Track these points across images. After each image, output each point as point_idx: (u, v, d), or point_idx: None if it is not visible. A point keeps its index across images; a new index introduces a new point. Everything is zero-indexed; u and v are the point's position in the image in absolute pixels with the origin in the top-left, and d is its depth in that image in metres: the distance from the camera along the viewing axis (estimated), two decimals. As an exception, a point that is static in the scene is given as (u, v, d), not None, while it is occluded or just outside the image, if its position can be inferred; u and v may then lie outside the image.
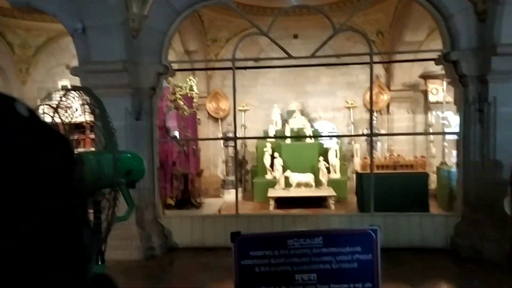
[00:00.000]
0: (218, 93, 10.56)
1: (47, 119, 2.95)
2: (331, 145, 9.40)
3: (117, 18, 5.23)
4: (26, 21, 9.19)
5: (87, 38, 5.37)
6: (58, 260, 0.35)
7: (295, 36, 10.24)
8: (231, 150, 9.73)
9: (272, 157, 9.19)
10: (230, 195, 8.88)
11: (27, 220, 0.33)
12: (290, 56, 6.02)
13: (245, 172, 10.56)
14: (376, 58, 9.49)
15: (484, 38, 5.11)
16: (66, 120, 3.08)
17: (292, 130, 9.45)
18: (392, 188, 6.81)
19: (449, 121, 9.00)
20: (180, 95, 8.20)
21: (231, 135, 8.76)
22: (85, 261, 0.38)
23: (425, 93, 9.97)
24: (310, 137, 9.29)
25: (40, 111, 3.23)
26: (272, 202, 8.38)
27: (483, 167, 5.21)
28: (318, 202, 8.38)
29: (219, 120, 10.71)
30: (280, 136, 9.55)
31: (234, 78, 6.08)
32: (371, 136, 6.21)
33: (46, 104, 2.83)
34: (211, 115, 10.73)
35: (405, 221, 5.70)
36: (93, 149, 5.73)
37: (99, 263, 2.87)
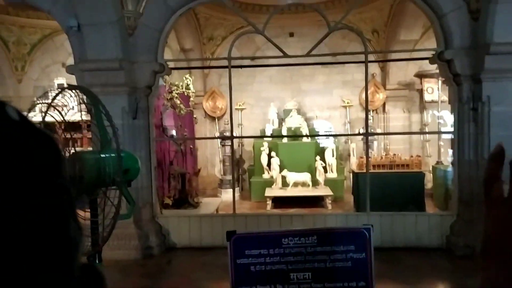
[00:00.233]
0: (215, 91, 10.56)
1: (43, 117, 2.95)
2: (328, 144, 9.42)
3: (112, 16, 5.22)
4: (21, 18, 9.14)
5: (82, 36, 5.35)
6: (44, 252, 0.38)
7: (291, 34, 10.26)
8: (228, 149, 9.74)
9: (269, 156, 9.20)
10: (227, 195, 8.89)
11: (16, 215, 0.36)
12: (285, 55, 6.04)
13: (242, 171, 10.57)
14: (371, 57, 9.53)
15: (478, 37, 5.14)
16: (61, 119, 3.09)
17: (289, 129, 9.47)
18: (388, 188, 6.85)
19: (445, 120, 9.04)
20: (176, 93, 8.20)
21: (228, 134, 8.77)
22: (72, 253, 0.41)
23: (420, 92, 10.01)
24: (307, 136, 9.31)
25: (37, 109, 3.24)
26: (269, 202, 8.40)
27: (478, 166, 5.25)
28: (315, 201, 8.41)
29: (216, 119, 10.72)
30: (277, 135, 9.57)
31: (230, 76, 6.08)
32: (367, 135, 6.23)
33: (43, 103, 2.83)
34: (208, 114, 10.73)
35: (401, 220, 5.74)
36: (90, 148, 5.72)
37: (97, 261, 2.88)
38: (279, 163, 8.98)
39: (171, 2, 5.56)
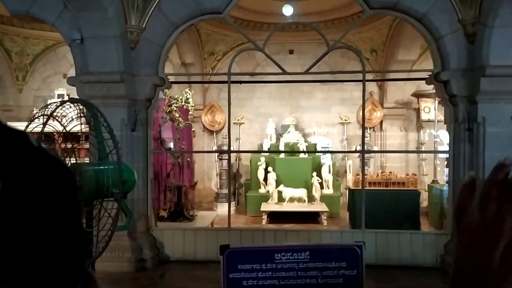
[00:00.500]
0: (214, 105, 10.65)
1: (42, 127, 2.99)
2: (325, 160, 9.46)
3: (115, 30, 5.31)
4: (25, 29, 9.26)
5: (85, 48, 5.43)
6: (60, 255, 0.46)
7: (291, 52, 10.40)
8: (225, 163, 9.76)
9: (266, 171, 9.22)
10: (223, 208, 8.87)
11: (42, 223, 0.44)
12: (284, 72, 6.13)
13: (238, 185, 10.57)
14: (369, 76, 9.66)
15: (474, 59, 5.24)
16: (60, 129, 3.13)
17: (286, 144, 9.52)
18: (384, 205, 6.86)
19: (441, 139, 9.12)
20: (175, 107, 8.27)
21: (225, 148, 8.81)
22: (83, 258, 0.50)
23: (417, 111, 10.11)
24: (304, 152, 9.36)
25: (37, 120, 3.29)
26: (265, 216, 8.39)
27: (473, 186, 5.28)
28: (311, 217, 8.40)
29: (214, 133, 10.77)
30: (274, 150, 9.61)
31: (229, 92, 6.16)
32: (363, 152, 6.28)
33: (43, 115, 2.88)
34: (206, 128, 10.79)
35: (396, 238, 5.74)
36: (87, 159, 5.74)
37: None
38: (275, 178, 9.00)
39: (174, 18, 5.66)
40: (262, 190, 9.32)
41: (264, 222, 8.33)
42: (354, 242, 2.11)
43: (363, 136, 6.32)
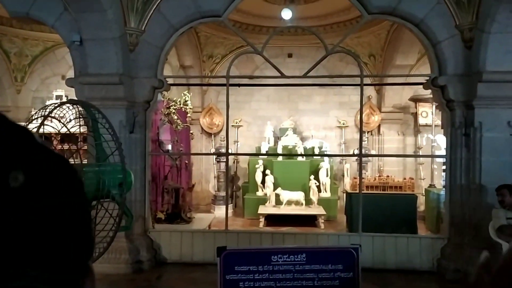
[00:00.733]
0: (212, 108, 10.66)
1: (37, 128, 3.00)
2: (323, 163, 9.48)
3: (115, 32, 5.33)
4: (24, 31, 9.27)
5: (84, 50, 5.45)
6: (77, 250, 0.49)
7: (290, 55, 10.44)
8: (223, 166, 9.77)
9: (264, 174, 9.24)
10: (221, 211, 8.88)
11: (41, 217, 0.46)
12: (283, 76, 6.15)
13: (236, 188, 10.58)
14: (367, 80, 9.70)
15: (471, 64, 5.28)
16: (57, 130, 3.13)
17: (284, 147, 9.54)
18: (381, 209, 6.88)
19: (438, 143, 9.15)
20: (174, 109, 8.28)
21: (223, 150, 8.82)
22: (90, 255, 0.53)
23: (415, 115, 10.16)
24: (302, 155, 9.38)
25: (36, 121, 3.30)
26: (262, 219, 8.40)
27: (469, 191, 5.31)
28: (308, 220, 8.41)
29: (212, 135, 10.78)
30: (272, 153, 9.63)
31: (227, 94, 6.18)
32: (361, 156, 6.30)
33: (42, 116, 2.89)
34: (205, 130, 10.80)
35: (393, 242, 5.76)
36: (85, 160, 5.74)
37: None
38: (273, 181, 9.01)
39: (173, 21, 5.69)
40: (259, 193, 9.33)
41: (261, 225, 8.33)
42: (350, 245, 2.13)
43: (361, 140, 6.35)
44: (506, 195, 4.47)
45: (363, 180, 6.67)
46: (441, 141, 8.86)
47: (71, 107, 3.28)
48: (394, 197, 7.45)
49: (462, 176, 5.40)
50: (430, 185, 8.98)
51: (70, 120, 3.37)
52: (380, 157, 10.10)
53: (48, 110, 3.10)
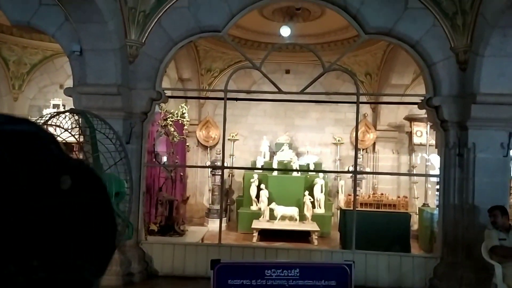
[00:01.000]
0: (209, 121, 10.70)
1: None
2: (318, 179, 9.50)
3: (115, 43, 5.38)
4: (24, 39, 9.32)
5: (83, 60, 5.49)
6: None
7: (287, 71, 10.55)
8: (218, 179, 9.76)
9: (259, 188, 9.23)
10: (214, 224, 8.83)
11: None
12: (280, 91, 6.21)
13: (230, 201, 10.54)
14: (363, 98, 9.81)
15: (465, 86, 5.37)
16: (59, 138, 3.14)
17: (280, 162, 9.56)
18: (374, 226, 6.88)
19: (432, 163, 9.22)
20: (171, 121, 8.30)
21: (219, 163, 8.83)
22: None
23: (410, 134, 10.25)
24: (297, 170, 9.40)
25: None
26: (255, 234, 8.36)
27: (462, 211, 5.34)
28: (302, 236, 8.38)
29: (208, 148, 10.79)
30: (267, 168, 9.64)
31: (225, 108, 6.22)
32: (355, 173, 6.33)
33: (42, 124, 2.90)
34: (201, 143, 10.81)
35: (385, 260, 5.75)
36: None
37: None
38: (268, 196, 9.00)
39: (174, 35, 5.76)
40: (254, 207, 9.30)
41: (255, 239, 8.29)
42: (344, 261, 2.14)
43: (356, 157, 6.38)
44: (498, 216, 4.51)
45: (357, 197, 6.69)
46: (435, 161, 8.93)
47: (69, 115, 3.29)
48: (388, 215, 7.46)
49: (455, 196, 5.44)
50: (424, 204, 9.01)
51: (65, 130, 3.38)
52: (374, 175, 10.14)
53: (46, 118, 3.11)
